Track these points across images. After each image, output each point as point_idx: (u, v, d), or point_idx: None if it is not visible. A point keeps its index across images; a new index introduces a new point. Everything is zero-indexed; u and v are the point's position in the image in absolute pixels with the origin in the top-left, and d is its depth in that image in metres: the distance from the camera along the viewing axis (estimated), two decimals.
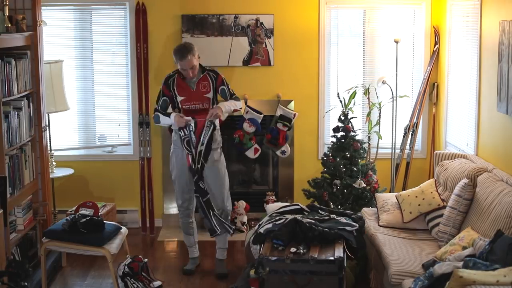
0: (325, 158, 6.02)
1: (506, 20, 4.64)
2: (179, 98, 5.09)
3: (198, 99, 5.09)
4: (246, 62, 6.36)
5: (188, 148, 5.05)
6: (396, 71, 6.08)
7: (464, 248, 4.13)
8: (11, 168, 4.87)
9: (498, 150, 4.94)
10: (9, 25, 4.91)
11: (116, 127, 6.58)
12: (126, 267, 4.88)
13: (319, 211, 5.07)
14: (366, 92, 6.19)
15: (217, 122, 5.12)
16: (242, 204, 6.37)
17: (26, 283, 3.63)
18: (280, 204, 5.54)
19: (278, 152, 6.43)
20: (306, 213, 4.99)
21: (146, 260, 5.01)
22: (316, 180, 6.02)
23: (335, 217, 4.87)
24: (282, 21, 6.34)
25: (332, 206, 5.70)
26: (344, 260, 4.24)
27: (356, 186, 5.76)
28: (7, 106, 4.85)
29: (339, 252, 4.30)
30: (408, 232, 4.97)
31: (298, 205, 5.17)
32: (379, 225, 5.11)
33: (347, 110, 5.96)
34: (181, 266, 5.53)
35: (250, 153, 6.38)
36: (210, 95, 5.11)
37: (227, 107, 5.10)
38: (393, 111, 6.12)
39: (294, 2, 6.33)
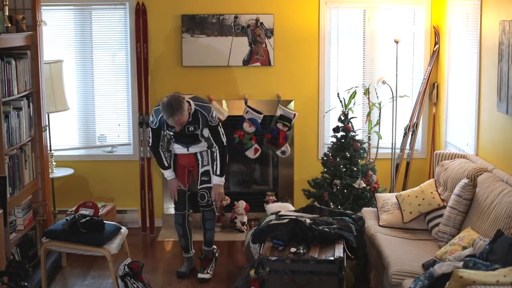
0: (325, 158, 6.02)
1: (506, 20, 4.64)
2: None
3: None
4: (246, 62, 6.36)
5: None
6: (396, 71, 6.08)
7: (464, 248, 4.13)
8: (11, 168, 4.87)
9: (498, 150, 4.94)
10: (9, 25, 4.91)
11: (116, 127, 6.58)
12: (126, 267, 4.88)
13: (319, 211, 5.08)
14: (366, 92, 6.19)
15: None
16: (242, 204, 6.36)
17: (26, 283, 3.62)
18: (280, 204, 5.54)
19: (278, 152, 6.43)
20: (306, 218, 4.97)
21: (143, 263, 5.01)
22: (316, 180, 6.02)
23: (336, 217, 4.87)
24: (282, 21, 6.34)
25: (332, 206, 5.70)
26: (344, 260, 4.24)
27: (356, 186, 5.76)
28: (7, 106, 4.84)
29: (339, 252, 4.30)
30: (408, 232, 4.97)
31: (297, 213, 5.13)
32: (379, 225, 5.11)
33: (347, 110, 5.96)
34: (182, 266, 5.54)
35: (250, 153, 6.39)
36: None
37: (222, 179, 5.15)
38: (393, 111, 6.12)
39: (294, 2, 6.33)
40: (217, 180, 5.13)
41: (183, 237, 5.34)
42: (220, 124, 5.16)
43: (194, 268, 5.42)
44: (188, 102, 4.90)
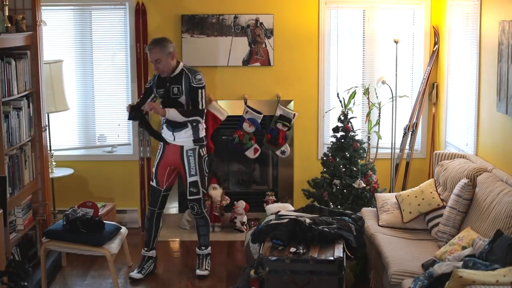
0: (325, 158, 6.02)
1: (506, 20, 4.64)
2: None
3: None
4: (246, 62, 6.37)
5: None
6: (396, 71, 6.08)
7: (464, 248, 4.13)
8: (11, 168, 4.87)
9: (498, 150, 4.94)
10: (9, 25, 4.91)
11: (116, 127, 6.58)
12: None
13: (319, 211, 5.08)
14: (366, 92, 6.20)
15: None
16: (241, 204, 6.36)
17: (26, 283, 3.63)
18: (279, 204, 5.54)
19: (278, 152, 6.44)
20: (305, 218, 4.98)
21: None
22: (316, 180, 6.03)
23: (335, 217, 4.88)
24: (282, 21, 6.34)
25: (331, 206, 5.71)
26: (344, 260, 4.25)
27: (355, 186, 5.77)
28: (7, 106, 4.85)
29: (339, 252, 4.30)
30: (408, 232, 4.97)
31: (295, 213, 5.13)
32: (378, 225, 5.12)
33: (346, 110, 5.97)
34: (181, 266, 5.54)
35: (250, 153, 6.39)
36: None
37: (172, 113, 5.00)
38: (392, 111, 6.12)
39: (294, 2, 6.33)
40: (171, 110, 5.00)
41: (147, 231, 5.38)
42: (204, 90, 5.06)
43: (151, 272, 5.35)
44: (178, 61, 5.11)
